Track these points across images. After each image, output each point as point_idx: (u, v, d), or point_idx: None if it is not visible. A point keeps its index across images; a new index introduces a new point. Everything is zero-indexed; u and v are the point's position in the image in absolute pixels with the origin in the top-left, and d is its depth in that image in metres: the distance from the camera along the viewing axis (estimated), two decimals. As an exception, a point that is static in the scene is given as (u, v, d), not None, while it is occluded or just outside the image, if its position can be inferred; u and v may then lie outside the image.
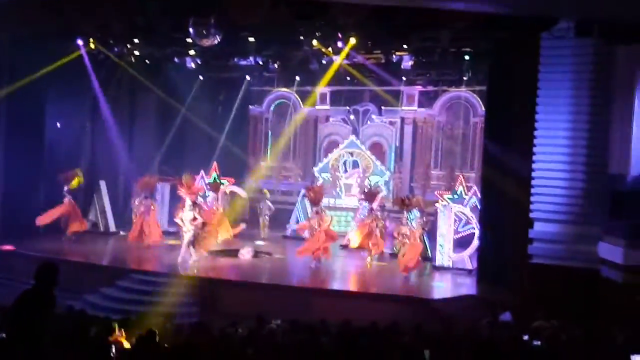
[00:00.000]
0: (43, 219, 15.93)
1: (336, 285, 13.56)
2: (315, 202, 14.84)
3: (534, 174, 12.66)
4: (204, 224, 14.16)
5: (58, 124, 17.55)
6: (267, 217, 18.38)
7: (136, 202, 16.69)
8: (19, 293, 5.57)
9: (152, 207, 16.29)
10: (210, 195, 17.76)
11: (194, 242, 14.03)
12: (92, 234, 17.23)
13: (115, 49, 17.07)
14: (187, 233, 13.97)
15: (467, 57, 16.07)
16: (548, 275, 12.04)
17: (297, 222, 18.35)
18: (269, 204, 18.55)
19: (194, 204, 14.13)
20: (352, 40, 14.88)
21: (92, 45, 16.52)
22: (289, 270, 14.27)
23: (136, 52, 17.43)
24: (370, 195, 15.78)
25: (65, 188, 16.12)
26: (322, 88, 21.00)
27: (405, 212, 14.11)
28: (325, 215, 14.90)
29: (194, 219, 13.91)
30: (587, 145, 12.30)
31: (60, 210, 16.10)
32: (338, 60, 16.78)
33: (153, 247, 15.84)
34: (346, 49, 15.46)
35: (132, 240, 16.03)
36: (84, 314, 9.03)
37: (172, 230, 16.76)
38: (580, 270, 11.89)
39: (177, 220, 14.30)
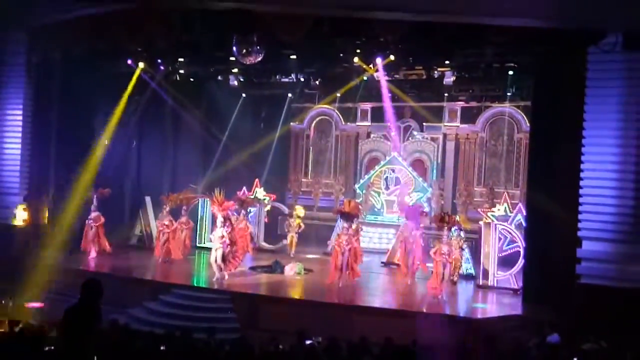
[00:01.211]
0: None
1: (377, 303, 13.41)
2: (348, 218, 14.65)
3: (581, 191, 12.33)
4: (232, 243, 14.11)
5: (106, 141, 18.03)
6: (295, 235, 18.01)
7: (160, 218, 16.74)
8: (64, 306, 5.69)
9: (172, 224, 16.22)
10: (252, 211, 17.84)
11: (224, 259, 14.00)
12: (137, 249, 17.54)
13: (161, 68, 17.52)
14: (217, 250, 14.00)
15: (511, 72, 15.87)
16: (597, 296, 11.66)
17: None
18: (299, 221, 18.30)
19: (226, 220, 14.16)
20: (392, 57, 14.88)
21: (141, 65, 16.99)
22: (330, 287, 14.19)
23: (181, 71, 17.85)
24: (410, 212, 15.56)
25: (95, 204, 16.04)
26: (363, 104, 21.07)
27: (446, 230, 13.79)
28: (361, 232, 14.66)
29: (222, 236, 13.97)
30: (637, 162, 11.92)
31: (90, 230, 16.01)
32: (379, 76, 16.76)
33: (176, 261, 15.96)
34: (377, 66, 15.45)
35: (158, 255, 16.10)
36: (127, 328, 9.16)
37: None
38: (631, 291, 11.47)
39: (211, 236, 14.25)
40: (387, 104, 18.64)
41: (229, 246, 13.93)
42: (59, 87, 16.37)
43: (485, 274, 14.57)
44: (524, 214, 14.56)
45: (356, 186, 20.97)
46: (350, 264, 14.00)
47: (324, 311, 12.25)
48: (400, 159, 20.36)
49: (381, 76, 16.47)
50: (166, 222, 16.16)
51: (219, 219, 14.10)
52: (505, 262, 15.06)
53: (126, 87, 17.30)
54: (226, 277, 13.90)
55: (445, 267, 13.09)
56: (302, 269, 15.62)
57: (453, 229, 14.33)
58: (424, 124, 20.87)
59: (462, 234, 15.00)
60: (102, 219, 16.12)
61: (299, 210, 18.63)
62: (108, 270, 14.45)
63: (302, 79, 18.37)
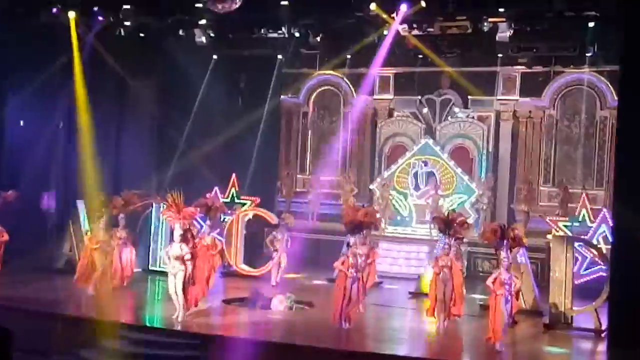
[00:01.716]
0: None
1: (401, 351, 13.36)
2: (360, 231, 14.67)
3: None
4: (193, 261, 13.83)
5: (21, 122, 18.02)
6: (284, 254, 17.77)
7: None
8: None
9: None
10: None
11: (183, 289, 13.79)
12: (64, 274, 17.44)
13: (99, 18, 17.47)
14: (176, 276, 13.68)
15: (591, 24, 15.80)
16: None
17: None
18: (287, 235, 18.09)
19: (185, 233, 13.93)
20: (422, 3, 14.86)
21: (70, 16, 16.92)
22: (333, 328, 14.17)
23: (127, 23, 17.80)
24: (446, 222, 15.38)
25: None
26: (383, 70, 21.01)
27: (504, 250, 13.64)
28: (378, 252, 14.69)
29: (181, 256, 13.58)
30: None
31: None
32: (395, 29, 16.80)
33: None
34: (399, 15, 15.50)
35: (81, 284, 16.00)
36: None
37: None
38: None
39: (163, 255, 14.21)
40: (375, 70, 18.98)
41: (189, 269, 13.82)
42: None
43: (556, 308, 14.52)
44: (610, 224, 14.51)
45: (373, 185, 20.90)
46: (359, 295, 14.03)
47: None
48: (432, 143, 20.37)
49: (393, 29, 16.42)
50: (102, 238, 16.10)
51: (177, 232, 13.98)
52: (584, 292, 15.01)
53: (50, 46, 17.26)
54: (183, 314, 13.81)
55: (507, 302, 12.97)
56: (293, 302, 15.60)
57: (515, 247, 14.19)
58: (469, 97, 20.95)
59: (523, 252, 14.93)
60: (6, 235, 16.03)
61: (288, 219, 18.49)
62: (24, 304, 14.37)
63: (296, 35, 18.35)
